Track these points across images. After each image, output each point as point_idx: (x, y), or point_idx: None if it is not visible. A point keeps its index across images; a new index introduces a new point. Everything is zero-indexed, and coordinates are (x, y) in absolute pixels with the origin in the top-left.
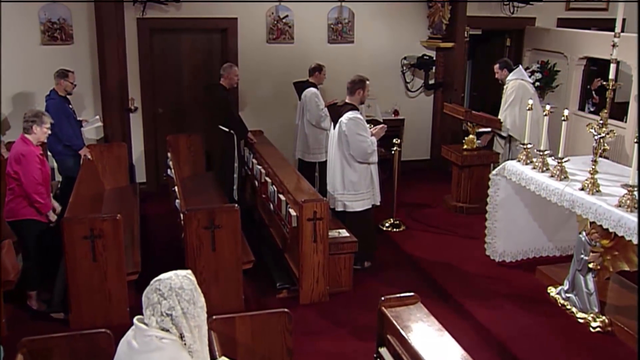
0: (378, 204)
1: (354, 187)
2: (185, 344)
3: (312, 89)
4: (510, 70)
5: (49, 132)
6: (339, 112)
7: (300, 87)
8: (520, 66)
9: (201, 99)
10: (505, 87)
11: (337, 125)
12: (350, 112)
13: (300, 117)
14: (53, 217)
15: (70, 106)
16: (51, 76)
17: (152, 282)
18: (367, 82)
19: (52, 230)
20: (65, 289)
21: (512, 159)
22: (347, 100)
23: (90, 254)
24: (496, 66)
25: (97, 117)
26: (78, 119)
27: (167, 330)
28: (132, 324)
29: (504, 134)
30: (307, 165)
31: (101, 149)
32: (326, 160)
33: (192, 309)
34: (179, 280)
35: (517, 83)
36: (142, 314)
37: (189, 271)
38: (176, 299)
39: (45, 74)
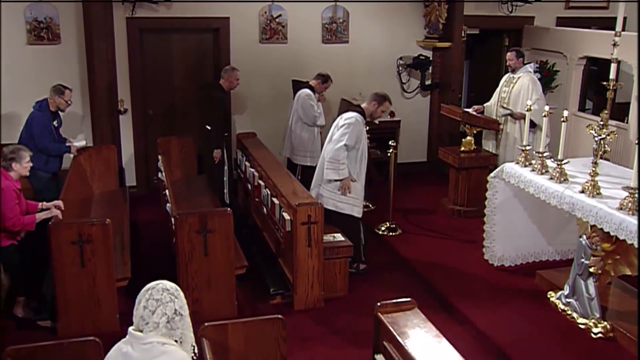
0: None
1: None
2: (182, 347)
3: (307, 90)
4: (524, 61)
5: (30, 164)
6: (347, 108)
7: (298, 86)
8: (533, 63)
9: (194, 99)
10: (516, 76)
11: (338, 118)
12: (354, 113)
13: (291, 117)
14: (52, 213)
15: (55, 123)
16: (37, 76)
17: (148, 287)
18: (387, 103)
19: (37, 237)
20: (53, 295)
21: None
22: (361, 104)
23: (79, 260)
24: (512, 54)
25: (83, 135)
26: (63, 136)
27: (168, 336)
28: (121, 331)
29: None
30: (292, 166)
31: (90, 151)
32: (309, 166)
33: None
34: (174, 284)
35: (532, 77)
36: (132, 321)
37: None
38: (183, 299)
39: (31, 74)
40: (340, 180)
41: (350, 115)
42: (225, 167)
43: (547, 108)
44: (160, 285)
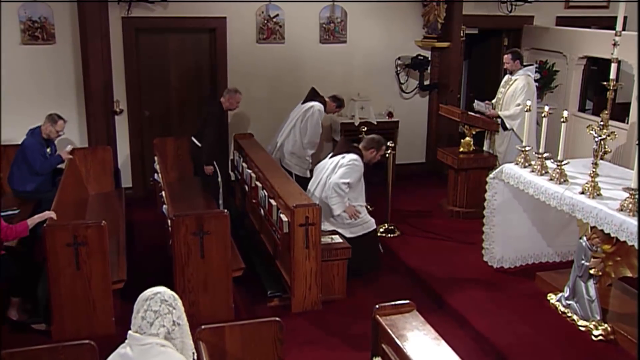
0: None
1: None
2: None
3: (321, 106)
4: (522, 63)
5: None
6: (348, 148)
7: (314, 96)
8: (534, 65)
9: (190, 99)
10: (513, 78)
11: (339, 157)
12: (355, 155)
13: (294, 122)
14: (46, 215)
15: (49, 150)
16: (32, 77)
17: (147, 297)
18: (384, 147)
19: (32, 238)
20: (48, 298)
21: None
22: (359, 145)
23: (74, 262)
24: (508, 56)
25: (70, 146)
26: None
27: (168, 342)
28: (117, 334)
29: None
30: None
31: (85, 152)
32: (298, 175)
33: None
34: (172, 292)
35: (529, 80)
36: (129, 326)
37: None
38: (181, 308)
39: (25, 74)
40: (345, 211)
41: (355, 157)
42: (219, 179)
43: (546, 108)
44: (159, 296)
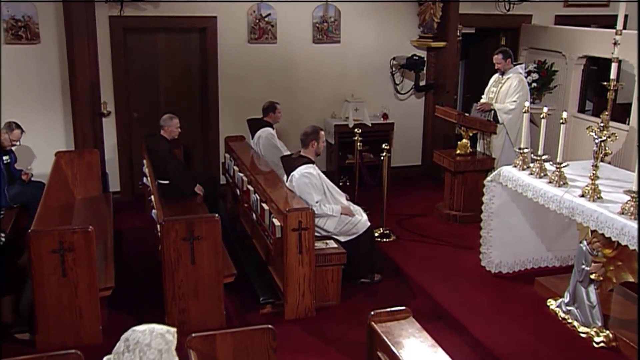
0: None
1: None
2: None
3: (268, 129)
4: (512, 61)
5: None
6: (292, 164)
7: (255, 125)
8: (523, 65)
9: (180, 101)
10: (505, 77)
11: (289, 179)
12: (303, 167)
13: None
14: None
15: (7, 158)
16: (15, 78)
17: (131, 328)
18: (322, 132)
19: (14, 245)
20: (32, 306)
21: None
22: (301, 153)
23: (60, 269)
24: (499, 56)
25: None
26: (18, 169)
27: None
28: (104, 343)
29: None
30: None
31: (71, 156)
32: None
33: None
34: (149, 338)
35: (521, 78)
36: (117, 335)
37: (172, 330)
38: (138, 355)
39: (8, 75)
40: (340, 215)
41: (305, 172)
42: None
43: (545, 109)
44: (129, 333)
